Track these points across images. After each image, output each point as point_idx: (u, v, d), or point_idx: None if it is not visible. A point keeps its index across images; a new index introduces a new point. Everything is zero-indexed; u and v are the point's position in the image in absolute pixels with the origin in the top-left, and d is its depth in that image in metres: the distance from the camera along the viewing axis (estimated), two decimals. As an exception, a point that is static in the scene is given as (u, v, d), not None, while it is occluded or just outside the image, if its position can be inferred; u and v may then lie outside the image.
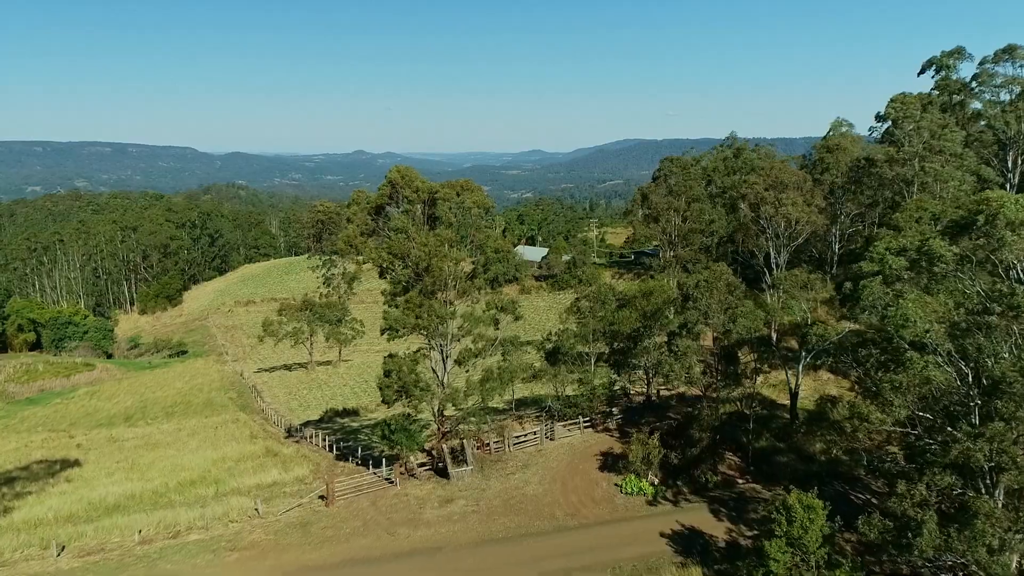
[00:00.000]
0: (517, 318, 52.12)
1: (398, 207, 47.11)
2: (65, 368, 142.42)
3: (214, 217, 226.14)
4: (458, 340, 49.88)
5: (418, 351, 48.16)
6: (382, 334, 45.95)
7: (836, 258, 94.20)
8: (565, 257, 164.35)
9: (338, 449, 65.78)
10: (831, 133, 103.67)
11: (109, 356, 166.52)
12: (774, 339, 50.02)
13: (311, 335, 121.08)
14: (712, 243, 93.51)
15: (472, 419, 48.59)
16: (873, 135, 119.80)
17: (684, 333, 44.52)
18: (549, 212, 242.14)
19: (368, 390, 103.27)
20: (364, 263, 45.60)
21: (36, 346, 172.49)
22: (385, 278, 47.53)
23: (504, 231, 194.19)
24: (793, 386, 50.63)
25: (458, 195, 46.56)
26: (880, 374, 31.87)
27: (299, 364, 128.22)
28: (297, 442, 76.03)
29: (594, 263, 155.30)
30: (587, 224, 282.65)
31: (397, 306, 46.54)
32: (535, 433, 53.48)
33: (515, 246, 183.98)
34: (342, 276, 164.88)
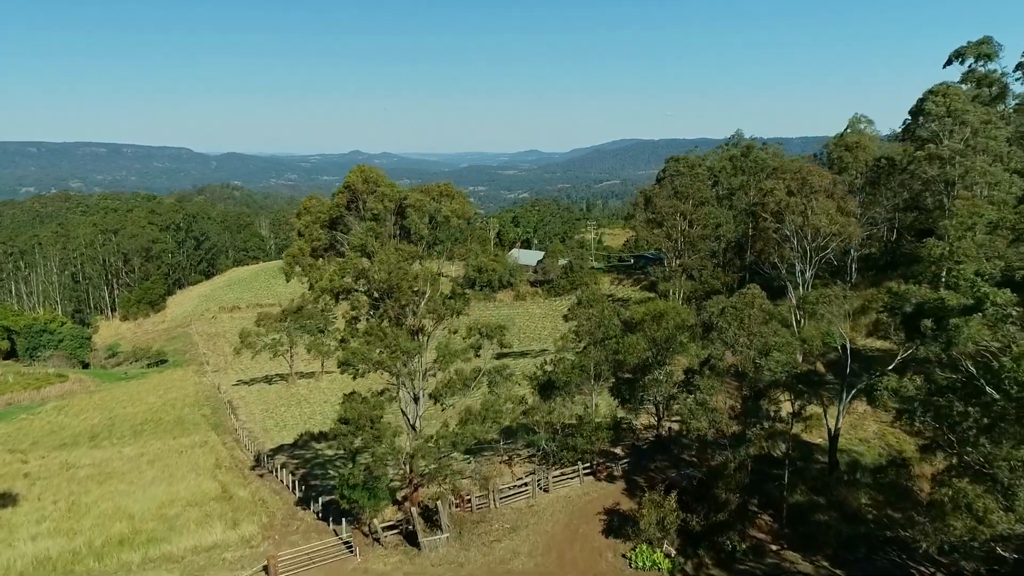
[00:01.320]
0: (504, 346, 43.35)
1: (361, 218, 38.32)
2: (36, 380, 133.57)
3: (200, 219, 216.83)
4: (433, 375, 41.24)
5: (383, 392, 39.40)
6: (341, 371, 37.21)
7: (855, 265, 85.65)
8: (562, 261, 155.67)
9: (303, 488, 57.09)
10: (848, 130, 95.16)
11: (85, 366, 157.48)
12: (813, 371, 41.39)
13: (291, 346, 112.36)
14: (719, 248, 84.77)
15: (448, 471, 39.91)
16: (884, 133, 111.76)
17: (707, 371, 35.91)
18: (546, 213, 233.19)
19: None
20: (315, 291, 36.84)
21: (11, 355, 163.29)
22: (340, 301, 38.80)
23: (498, 234, 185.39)
24: (832, 428, 41.98)
25: (434, 201, 37.79)
26: (987, 443, 23.20)
27: (280, 376, 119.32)
28: (262, 475, 67.40)
29: (592, 268, 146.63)
30: (584, 225, 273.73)
31: (359, 336, 37.92)
32: (526, 484, 44.70)
33: (510, 249, 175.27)
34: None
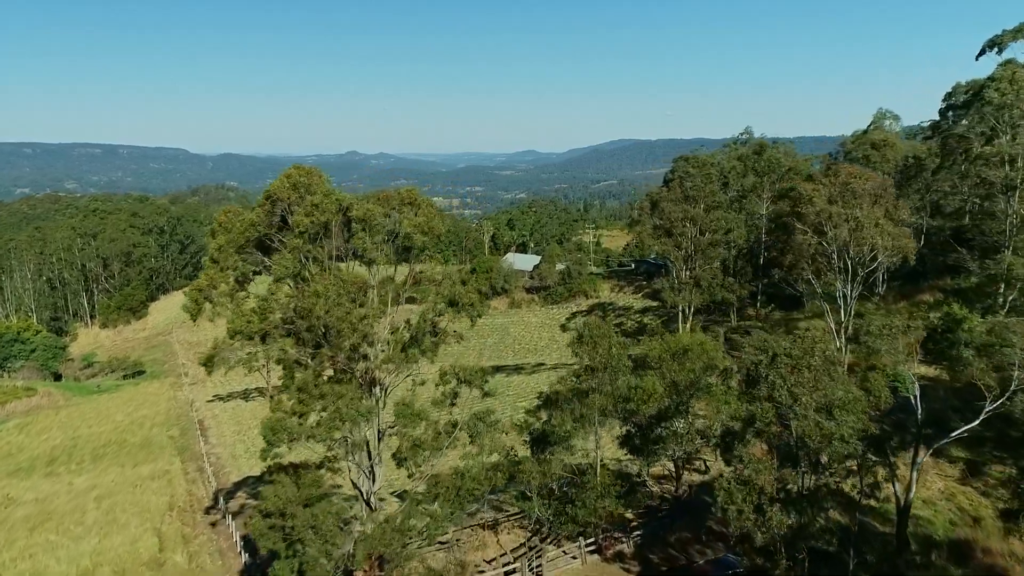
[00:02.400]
0: (486, 394, 33.97)
1: (301, 234, 28.89)
2: (2, 394, 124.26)
3: (185, 222, 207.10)
4: (393, 435, 31.86)
5: (322, 465, 29.89)
6: (263, 458, 27.62)
7: (885, 279, 76.31)
8: (559, 266, 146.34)
9: (250, 553, 47.69)
10: (872, 126, 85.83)
11: (58, 377, 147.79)
12: (884, 429, 32.02)
13: (267, 360, 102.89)
14: (730, 256, 75.40)
15: (412, 559, 30.53)
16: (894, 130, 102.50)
17: (750, 437, 26.54)
18: (543, 214, 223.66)
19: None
20: (231, 334, 27.59)
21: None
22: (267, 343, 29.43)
23: (493, 237, 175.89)
24: (903, 499, 32.58)
25: (390, 216, 28.44)
26: None
27: (259, 390, 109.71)
28: (214, 523, 58.17)
29: (591, 273, 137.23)
30: (582, 227, 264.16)
31: (292, 392, 28.56)
32: (514, 570, 35.22)
33: (505, 254, 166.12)
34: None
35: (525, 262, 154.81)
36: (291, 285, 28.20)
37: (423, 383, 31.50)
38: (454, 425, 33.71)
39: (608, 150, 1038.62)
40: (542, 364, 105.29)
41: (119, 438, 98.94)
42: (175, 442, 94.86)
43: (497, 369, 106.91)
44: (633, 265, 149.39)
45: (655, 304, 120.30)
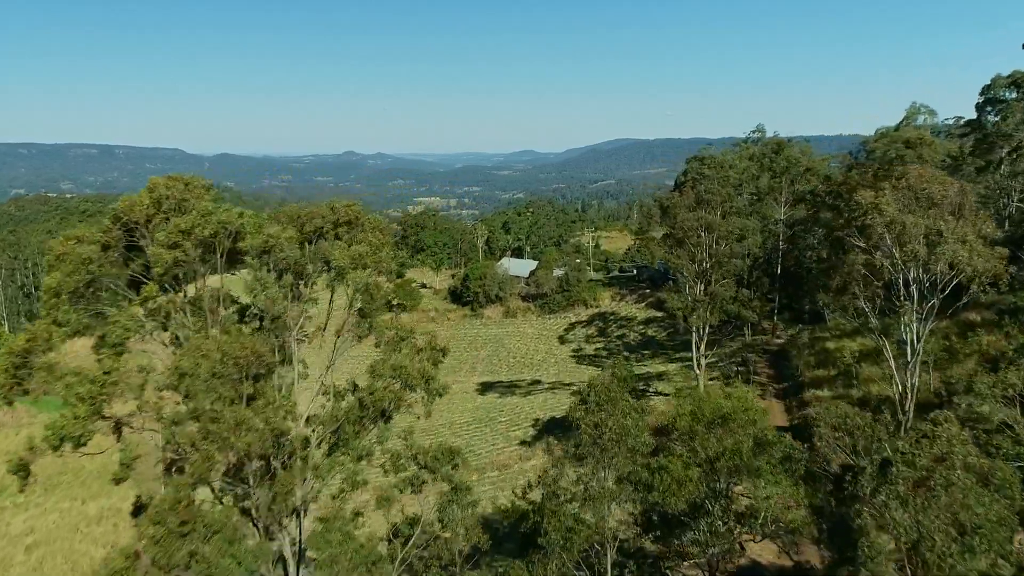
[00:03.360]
0: (457, 489, 24.41)
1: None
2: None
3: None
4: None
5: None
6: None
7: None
8: (557, 271, 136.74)
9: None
10: (904, 123, 76.39)
11: (26, 392, 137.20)
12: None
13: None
14: (744, 266, 65.98)
15: None
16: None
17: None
18: (540, 215, 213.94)
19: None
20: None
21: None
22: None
23: (487, 240, 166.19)
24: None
25: (310, 242, 19.02)
26: None
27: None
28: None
29: (591, 280, 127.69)
30: (580, 228, 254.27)
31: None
32: None
33: (500, 258, 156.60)
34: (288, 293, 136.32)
35: (521, 267, 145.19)
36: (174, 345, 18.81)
37: (355, 485, 21.95)
38: (412, 523, 24.16)
39: (606, 150, 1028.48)
40: (538, 382, 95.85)
41: (77, 464, 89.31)
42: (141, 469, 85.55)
43: (490, 387, 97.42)
44: (635, 271, 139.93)
45: (660, 315, 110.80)
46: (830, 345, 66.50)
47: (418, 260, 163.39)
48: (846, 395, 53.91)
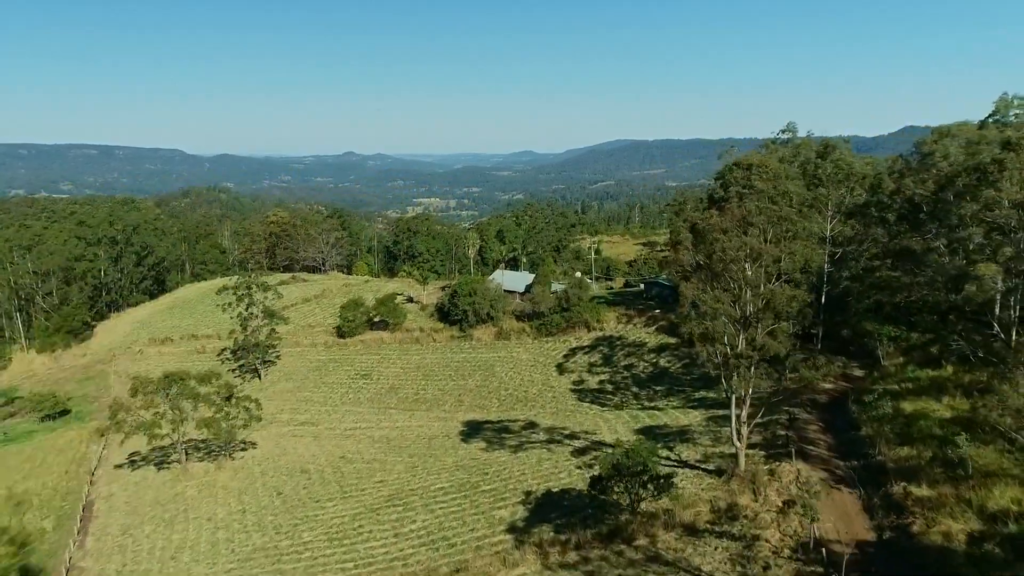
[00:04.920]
0: None
1: None
2: None
3: (143, 230, 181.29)
4: None
5: None
6: None
7: None
8: (556, 286, 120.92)
9: None
10: (996, 117, 60.22)
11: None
12: None
13: (181, 421, 77.24)
14: (806, 307, 49.54)
15: None
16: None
17: None
18: (538, 219, 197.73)
19: (266, 527, 61.95)
20: None
21: None
22: None
23: (480, 250, 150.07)
24: None
25: None
26: None
27: (179, 454, 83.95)
28: None
29: (593, 299, 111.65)
30: (580, 231, 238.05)
31: None
32: None
33: (492, 271, 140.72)
34: (262, 312, 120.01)
35: (516, 281, 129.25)
36: None
37: None
38: None
39: (606, 150, 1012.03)
40: (533, 426, 79.90)
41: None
42: (45, 536, 70.36)
43: (477, 429, 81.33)
44: (642, 286, 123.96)
45: (673, 341, 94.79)
46: (907, 407, 50.43)
47: (404, 271, 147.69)
48: (957, 494, 37.86)
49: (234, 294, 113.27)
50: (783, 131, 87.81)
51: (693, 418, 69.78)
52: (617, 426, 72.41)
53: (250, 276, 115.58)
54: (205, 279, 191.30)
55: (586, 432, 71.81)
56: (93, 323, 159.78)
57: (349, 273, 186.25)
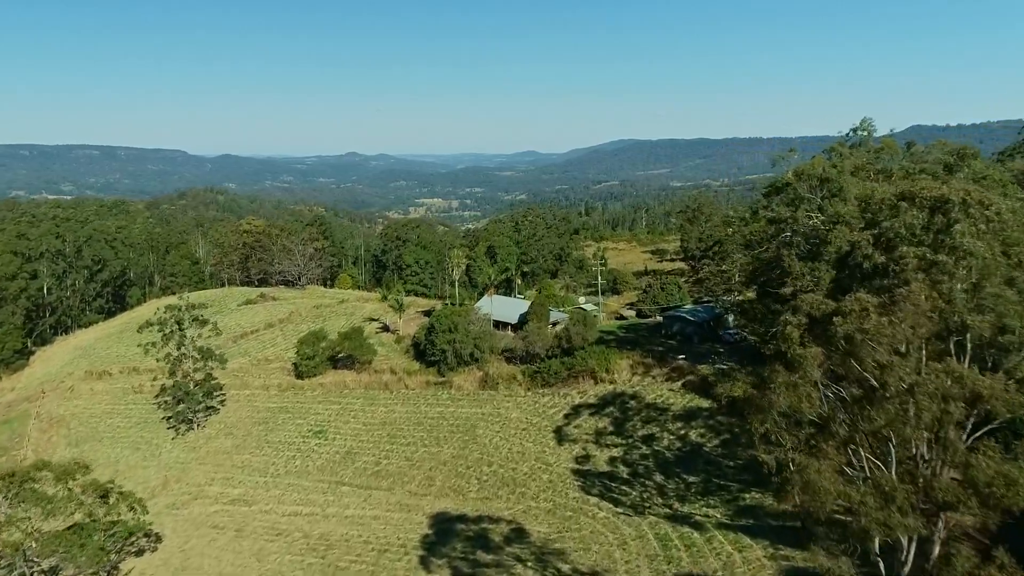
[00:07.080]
0: None
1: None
2: None
3: (95, 242, 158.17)
4: None
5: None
6: None
7: None
8: (555, 315, 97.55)
9: None
10: None
11: None
12: None
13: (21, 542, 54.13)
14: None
15: None
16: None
17: None
18: (539, 224, 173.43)
19: None
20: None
21: None
22: None
23: (468, 270, 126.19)
24: None
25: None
26: None
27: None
28: None
29: (601, 339, 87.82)
30: (584, 238, 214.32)
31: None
32: None
33: (480, 296, 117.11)
34: (196, 352, 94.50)
35: (507, 310, 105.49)
36: None
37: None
38: None
39: (609, 150, 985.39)
40: (520, 533, 56.41)
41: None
42: None
43: (447, 529, 57.89)
44: (660, 318, 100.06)
45: (706, 405, 71.10)
46: None
47: (380, 292, 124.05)
48: None
49: (160, 331, 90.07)
50: (856, 129, 64.00)
51: (753, 553, 46.04)
52: (639, 559, 48.86)
53: (180, 308, 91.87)
54: (175, 293, 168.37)
55: (595, 570, 48.27)
56: (32, 349, 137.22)
57: (332, 286, 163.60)
